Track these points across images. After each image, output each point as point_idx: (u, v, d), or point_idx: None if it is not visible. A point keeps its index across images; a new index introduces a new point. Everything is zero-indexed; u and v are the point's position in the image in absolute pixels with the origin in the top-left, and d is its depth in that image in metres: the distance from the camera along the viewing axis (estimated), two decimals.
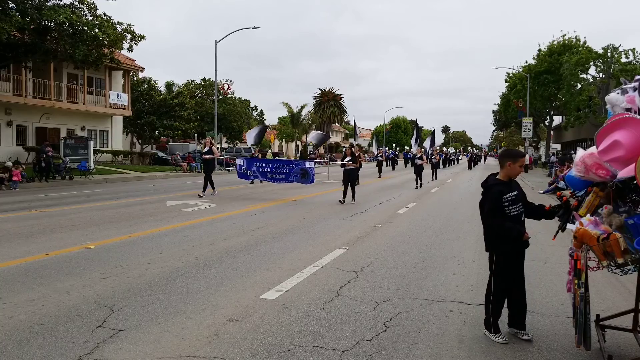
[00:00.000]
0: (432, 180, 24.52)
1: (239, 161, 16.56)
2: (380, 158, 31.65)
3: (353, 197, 14.02)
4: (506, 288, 4.00)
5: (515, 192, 3.97)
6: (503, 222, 3.88)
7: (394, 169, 40.60)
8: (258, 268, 6.11)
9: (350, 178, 14.01)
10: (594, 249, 3.33)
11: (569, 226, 3.68)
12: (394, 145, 57.05)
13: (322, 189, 18.47)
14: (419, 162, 20.51)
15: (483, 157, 75.87)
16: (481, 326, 4.20)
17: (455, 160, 62.34)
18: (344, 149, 16.73)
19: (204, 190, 15.01)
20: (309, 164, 14.94)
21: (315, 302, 4.81)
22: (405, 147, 69.33)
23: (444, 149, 62.14)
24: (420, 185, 20.00)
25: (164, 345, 3.71)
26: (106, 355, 3.52)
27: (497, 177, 4.06)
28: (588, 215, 3.52)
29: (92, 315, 4.31)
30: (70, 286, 5.17)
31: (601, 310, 4.42)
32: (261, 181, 17.01)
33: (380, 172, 29.30)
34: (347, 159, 14.29)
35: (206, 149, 15.69)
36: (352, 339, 3.90)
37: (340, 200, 13.53)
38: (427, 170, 23.70)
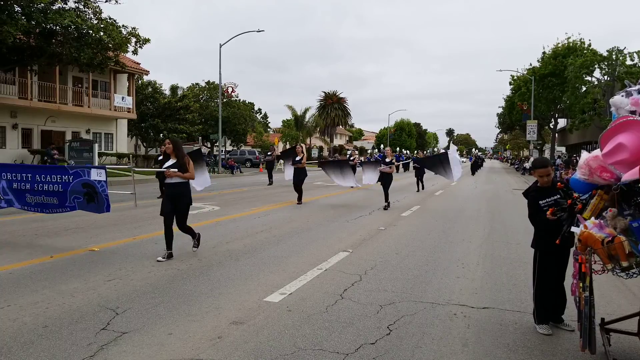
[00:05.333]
0: (418, 191, 19.25)
1: None
2: (352, 161, 21.37)
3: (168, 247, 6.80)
4: (545, 282, 4.27)
5: (556, 197, 4.14)
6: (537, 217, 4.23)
7: None
8: (261, 271, 6.11)
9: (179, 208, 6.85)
10: (599, 252, 3.32)
11: (574, 229, 3.67)
12: (381, 146, 52.47)
13: (326, 191, 18.47)
14: (385, 169, 13.72)
15: (485, 159, 74.65)
16: (485, 329, 4.25)
17: None
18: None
19: None
20: (95, 175, 7.50)
21: (319, 305, 4.81)
22: (404, 150, 68.60)
23: (442, 150, 61.38)
24: (386, 207, 13.07)
25: (168, 348, 3.72)
26: (110, 357, 3.53)
27: (538, 184, 4.36)
28: (592, 218, 3.51)
29: (96, 318, 4.32)
30: (74, 289, 5.19)
31: (606, 313, 4.40)
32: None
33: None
34: (170, 161, 6.89)
35: None
36: (355, 342, 3.90)
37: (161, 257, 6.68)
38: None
